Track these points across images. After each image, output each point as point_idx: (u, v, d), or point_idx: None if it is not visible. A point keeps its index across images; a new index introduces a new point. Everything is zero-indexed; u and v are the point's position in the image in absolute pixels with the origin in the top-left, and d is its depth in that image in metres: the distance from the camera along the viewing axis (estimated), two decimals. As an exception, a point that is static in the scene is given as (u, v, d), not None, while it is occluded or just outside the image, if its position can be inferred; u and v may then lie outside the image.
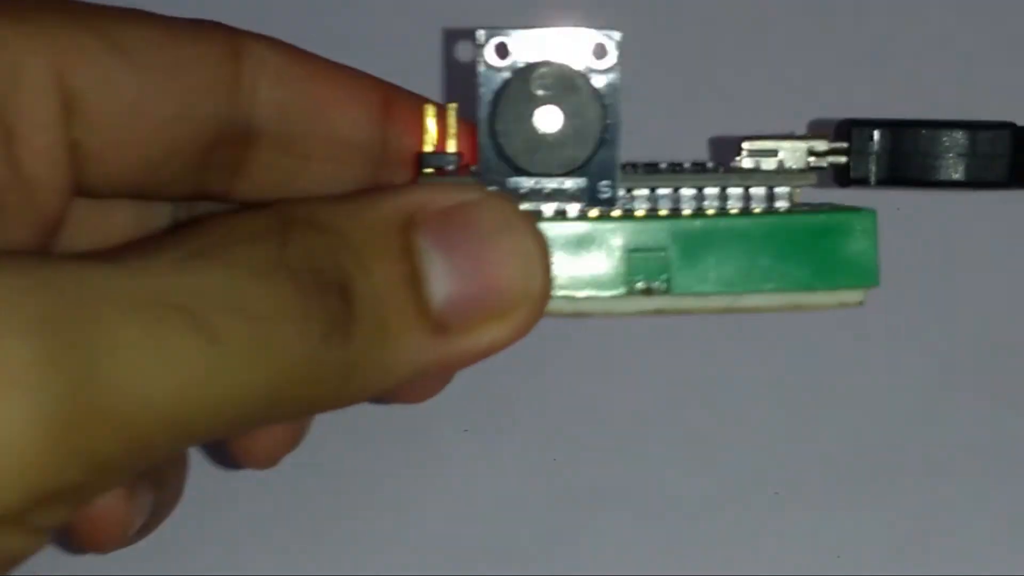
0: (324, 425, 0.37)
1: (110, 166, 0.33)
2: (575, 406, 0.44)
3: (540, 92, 0.31)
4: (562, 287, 0.31)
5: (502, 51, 0.32)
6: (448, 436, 0.44)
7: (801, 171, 0.33)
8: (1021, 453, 0.44)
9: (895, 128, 0.35)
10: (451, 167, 0.33)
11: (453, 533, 0.44)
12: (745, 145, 0.34)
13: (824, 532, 0.43)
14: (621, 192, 0.32)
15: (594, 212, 0.32)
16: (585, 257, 0.31)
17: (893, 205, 0.40)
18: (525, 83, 0.31)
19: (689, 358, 0.45)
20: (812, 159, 0.34)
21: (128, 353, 0.25)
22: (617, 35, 0.32)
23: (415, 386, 0.36)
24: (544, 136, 0.31)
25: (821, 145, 0.34)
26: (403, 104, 0.36)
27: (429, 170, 0.33)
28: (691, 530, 0.43)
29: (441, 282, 0.29)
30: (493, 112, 0.31)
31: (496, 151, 0.31)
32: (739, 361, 0.44)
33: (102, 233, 0.35)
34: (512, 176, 0.32)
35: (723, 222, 0.32)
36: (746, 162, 0.33)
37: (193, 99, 0.33)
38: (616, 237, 0.31)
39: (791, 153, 0.34)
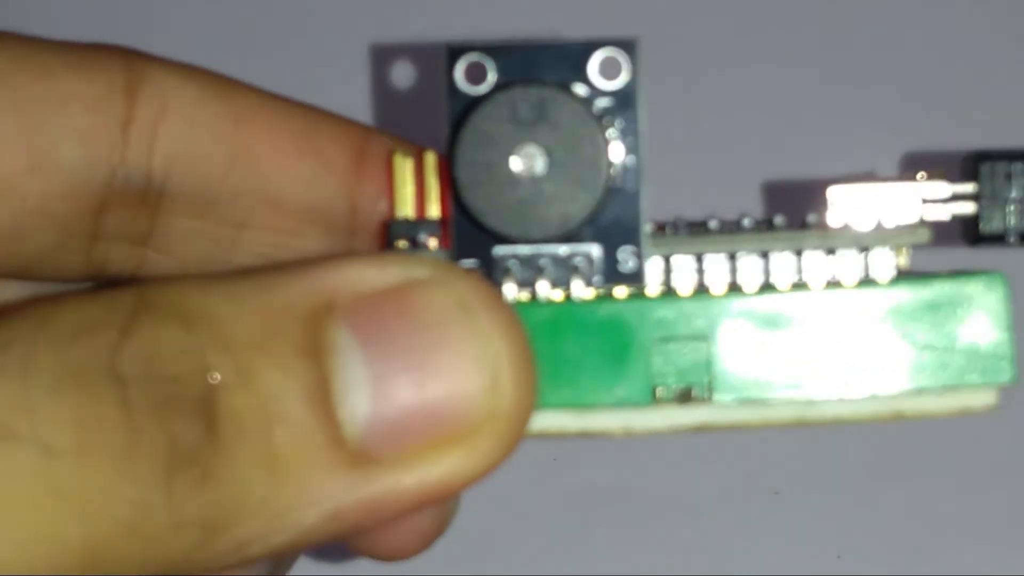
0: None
1: None
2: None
3: (519, 126, 0.22)
4: (558, 398, 0.22)
5: (476, 72, 0.23)
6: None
7: (911, 226, 0.24)
8: (1022, 453, 0.42)
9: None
10: (428, 239, 0.24)
11: (453, 533, 0.37)
12: (832, 192, 0.25)
13: (824, 532, 0.42)
14: (651, 262, 0.23)
15: (618, 292, 0.23)
16: (590, 352, 0.23)
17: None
18: (497, 114, 0.22)
19: None
20: (927, 208, 0.25)
21: None
22: (632, 43, 0.23)
23: (379, 539, 0.27)
24: (526, 187, 0.22)
25: (939, 189, 0.25)
26: (380, 155, 0.27)
27: (402, 243, 0.24)
28: (691, 530, 0.42)
29: (363, 395, 0.21)
30: (455, 155, 0.22)
31: (464, 211, 0.23)
32: None
33: None
34: (496, 245, 0.23)
35: (793, 299, 0.23)
36: (833, 216, 0.24)
37: (56, 148, 0.25)
38: (635, 321, 0.22)
39: (897, 201, 0.25)
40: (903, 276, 0.23)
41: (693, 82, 0.40)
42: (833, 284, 0.23)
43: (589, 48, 0.23)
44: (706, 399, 0.22)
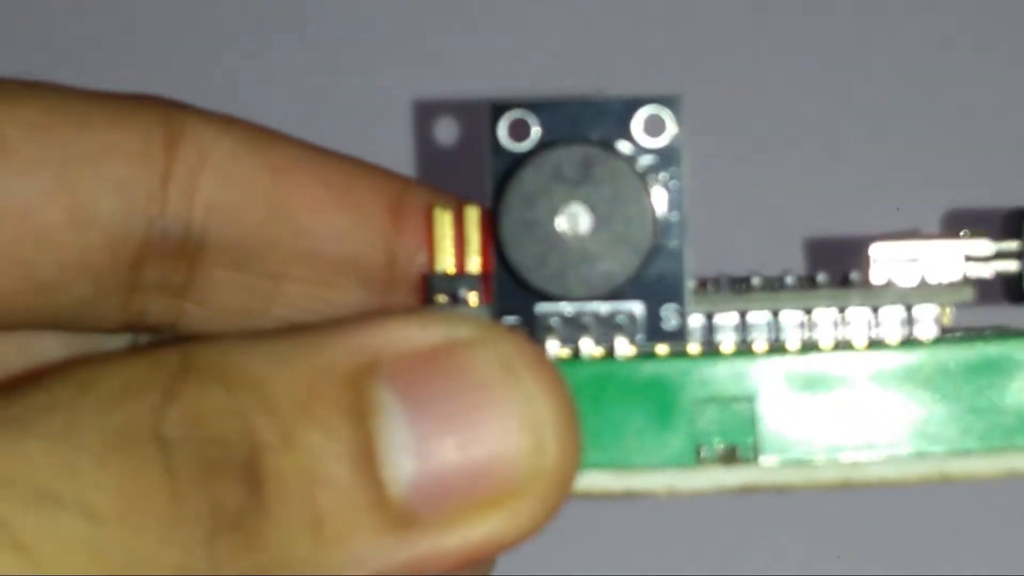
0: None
1: None
2: None
3: (563, 184, 0.22)
4: (600, 458, 0.22)
5: (520, 129, 0.23)
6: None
7: (954, 284, 0.24)
8: None
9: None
10: (468, 293, 0.24)
11: None
12: (874, 249, 0.24)
13: (824, 532, 0.42)
14: (694, 319, 0.23)
15: (661, 350, 0.23)
16: (633, 411, 0.22)
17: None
18: (542, 173, 0.22)
19: None
20: (970, 266, 0.24)
21: None
22: (676, 99, 0.23)
23: None
24: (571, 246, 0.22)
25: (982, 247, 0.25)
26: (418, 207, 0.27)
27: (441, 298, 0.24)
28: (691, 530, 0.42)
29: (406, 456, 0.21)
30: (499, 213, 0.22)
31: (508, 268, 0.22)
32: None
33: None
34: (537, 302, 0.23)
35: (837, 358, 0.22)
36: (875, 273, 0.24)
37: (95, 200, 0.25)
38: (679, 380, 0.22)
39: (940, 259, 0.24)
40: (947, 336, 0.23)
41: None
42: (876, 343, 0.23)
43: (633, 105, 0.23)
44: (751, 460, 0.22)
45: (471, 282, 0.24)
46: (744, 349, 0.23)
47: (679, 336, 0.23)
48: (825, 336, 0.23)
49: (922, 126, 0.41)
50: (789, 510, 0.42)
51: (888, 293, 0.24)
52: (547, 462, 0.21)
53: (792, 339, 0.23)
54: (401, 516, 0.21)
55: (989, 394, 0.22)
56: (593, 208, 0.22)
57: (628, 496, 0.22)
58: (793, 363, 0.23)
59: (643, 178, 0.22)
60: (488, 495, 0.21)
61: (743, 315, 0.23)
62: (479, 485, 0.21)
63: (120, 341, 0.28)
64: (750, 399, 0.22)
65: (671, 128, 0.23)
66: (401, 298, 0.27)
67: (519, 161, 0.22)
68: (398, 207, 0.27)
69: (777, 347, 0.23)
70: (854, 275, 0.24)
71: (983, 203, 0.33)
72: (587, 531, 0.41)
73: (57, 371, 0.20)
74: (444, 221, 0.25)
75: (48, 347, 0.27)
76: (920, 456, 0.22)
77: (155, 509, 0.19)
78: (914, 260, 0.24)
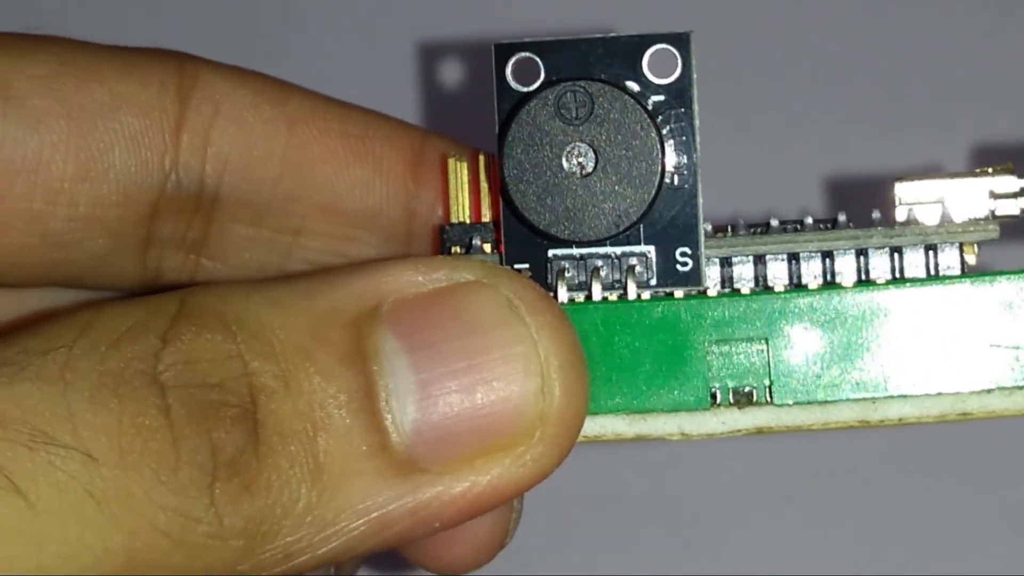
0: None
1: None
2: None
3: (568, 123, 0.22)
4: (612, 402, 0.22)
5: (526, 70, 0.23)
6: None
7: (979, 221, 0.23)
8: (1022, 453, 0.41)
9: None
10: (483, 243, 0.24)
11: None
12: (899, 189, 0.24)
13: (824, 532, 0.41)
14: (710, 264, 0.23)
15: (677, 293, 0.22)
16: (645, 355, 0.22)
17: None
18: (545, 111, 0.22)
19: None
20: (996, 203, 0.24)
21: None
22: (685, 37, 0.22)
23: (436, 551, 0.27)
24: (578, 187, 0.22)
25: (1008, 183, 0.24)
26: (437, 159, 0.27)
27: (456, 249, 0.24)
28: (691, 530, 0.42)
29: (409, 401, 0.20)
30: (503, 154, 0.22)
31: (514, 211, 0.22)
32: None
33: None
34: (548, 248, 0.23)
35: (857, 297, 0.22)
36: (899, 212, 0.24)
37: (106, 153, 0.25)
38: (692, 322, 0.22)
39: (964, 197, 0.24)
40: (971, 273, 0.23)
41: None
42: (898, 281, 0.23)
43: (641, 43, 0.22)
44: (766, 402, 0.22)
45: (485, 231, 0.24)
46: (759, 290, 0.22)
47: (693, 279, 0.22)
48: (846, 276, 0.23)
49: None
50: (790, 510, 0.42)
51: (911, 232, 0.23)
52: (553, 405, 0.21)
53: (811, 279, 0.23)
54: (404, 462, 0.20)
55: (1012, 332, 0.22)
56: (600, 147, 0.21)
57: (640, 440, 0.22)
58: (811, 302, 0.22)
59: (650, 114, 0.21)
60: (493, 440, 0.21)
61: (760, 258, 0.23)
62: (484, 430, 0.21)
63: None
64: (765, 340, 0.22)
65: (680, 66, 0.22)
66: (421, 251, 0.27)
67: (524, 101, 0.22)
68: (417, 160, 0.27)
69: (794, 287, 0.22)
70: (876, 215, 0.23)
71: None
72: (588, 531, 0.41)
73: (56, 316, 0.20)
74: (458, 171, 0.24)
75: (65, 305, 0.27)
76: (940, 393, 0.21)
77: (153, 452, 0.19)
78: (938, 200, 0.24)
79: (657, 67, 0.22)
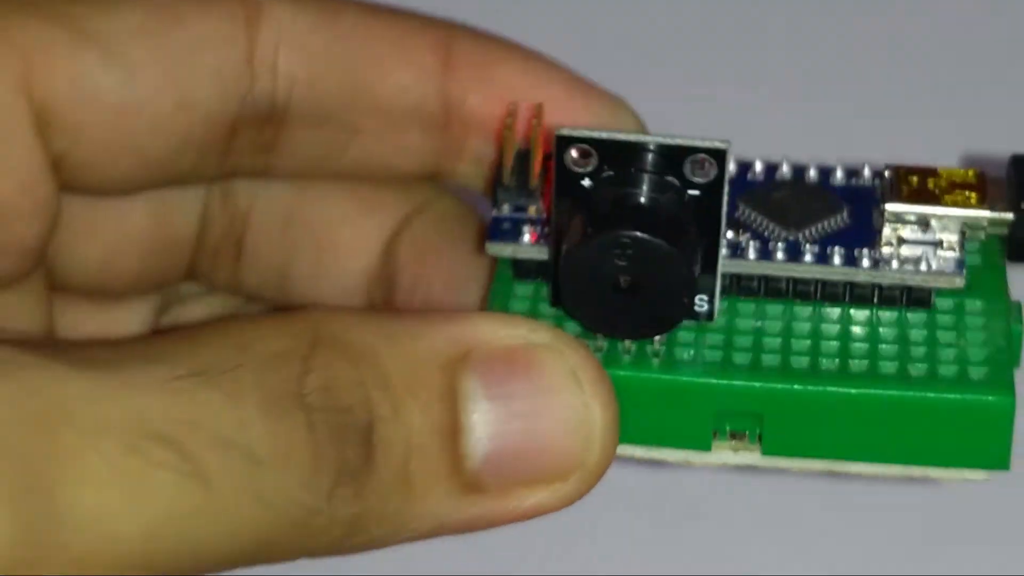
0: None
1: (106, 171, 0.29)
2: None
3: (616, 261, 0.26)
4: (631, 436, 0.27)
5: (583, 154, 0.26)
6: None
7: (944, 274, 0.27)
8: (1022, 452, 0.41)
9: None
10: (528, 216, 0.28)
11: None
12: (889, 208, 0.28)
13: (824, 532, 0.42)
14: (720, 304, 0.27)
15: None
16: (661, 409, 0.27)
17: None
18: (598, 253, 0.26)
19: None
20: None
21: (91, 486, 0.22)
22: (723, 151, 0.26)
23: None
24: (619, 304, 0.26)
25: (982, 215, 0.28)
26: (466, 52, 0.30)
27: (505, 208, 0.28)
28: (691, 530, 0.42)
29: (483, 436, 0.25)
30: (559, 275, 0.26)
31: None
32: None
33: (117, 227, 0.32)
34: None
35: (827, 391, 0.26)
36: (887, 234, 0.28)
37: (195, 88, 0.29)
38: (702, 399, 0.27)
39: (943, 230, 0.28)
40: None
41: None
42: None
43: (683, 152, 0.26)
44: (754, 448, 0.27)
45: (532, 199, 0.28)
46: (757, 374, 0.27)
47: (709, 317, 0.27)
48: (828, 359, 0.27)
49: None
50: (790, 510, 0.43)
51: (888, 274, 0.27)
52: (591, 458, 0.26)
53: (798, 363, 0.27)
54: (471, 483, 0.26)
55: (948, 430, 0.26)
56: (640, 279, 0.26)
57: (651, 462, 0.27)
58: (786, 394, 0.26)
59: (688, 263, 0.26)
60: (540, 476, 0.26)
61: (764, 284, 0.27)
62: (535, 468, 0.26)
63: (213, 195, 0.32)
64: (760, 413, 0.27)
65: (715, 171, 0.26)
66: (456, 137, 0.31)
67: (579, 179, 0.26)
68: (448, 55, 0.30)
69: (785, 373, 0.27)
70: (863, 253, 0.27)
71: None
72: (587, 531, 0.43)
73: (209, 330, 0.25)
74: (510, 139, 0.28)
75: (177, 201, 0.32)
76: (888, 463, 0.27)
77: (300, 460, 0.24)
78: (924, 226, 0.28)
79: (696, 169, 0.26)
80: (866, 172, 0.29)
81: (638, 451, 0.27)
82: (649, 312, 0.26)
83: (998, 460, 0.26)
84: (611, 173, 0.26)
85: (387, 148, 0.31)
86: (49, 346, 0.26)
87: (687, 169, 0.26)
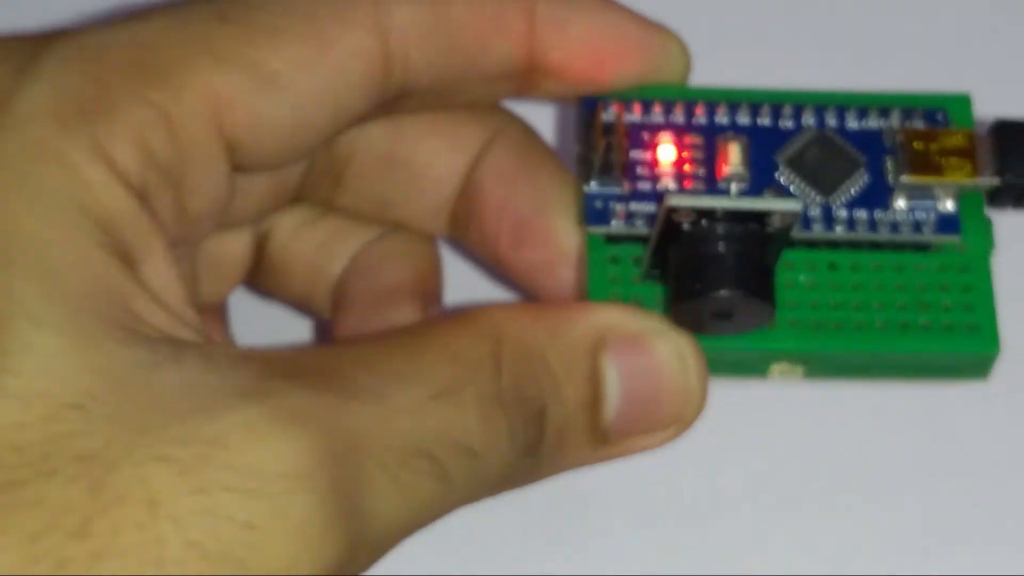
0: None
1: (269, 164, 0.35)
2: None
3: (714, 313, 0.34)
4: (714, 374, 0.35)
5: (684, 214, 0.33)
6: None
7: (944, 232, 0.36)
8: (1022, 452, 0.44)
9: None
10: (616, 194, 0.35)
11: (451, 532, 0.42)
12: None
13: (824, 532, 0.43)
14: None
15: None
16: (736, 365, 0.36)
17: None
18: (700, 308, 0.34)
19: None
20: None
21: (381, 496, 0.31)
22: (796, 213, 0.33)
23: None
24: (715, 324, 0.34)
25: (975, 182, 0.36)
26: (545, 14, 0.36)
27: (594, 185, 0.35)
28: (691, 530, 0.43)
29: (614, 404, 0.34)
30: (671, 311, 0.35)
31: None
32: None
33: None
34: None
35: (856, 358, 0.35)
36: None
37: (346, 99, 0.34)
38: (763, 359, 0.36)
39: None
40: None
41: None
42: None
43: (765, 212, 0.33)
44: (799, 372, 0.36)
45: (617, 180, 0.35)
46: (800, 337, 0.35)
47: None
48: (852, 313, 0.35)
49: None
50: (789, 509, 0.44)
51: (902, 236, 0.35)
52: (689, 414, 0.35)
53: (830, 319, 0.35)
54: (603, 439, 0.35)
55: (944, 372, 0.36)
56: (735, 313, 0.33)
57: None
58: (824, 360, 0.35)
59: (772, 302, 0.33)
60: (652, 427, 0.35)
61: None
62: (649, 423, 0.35)
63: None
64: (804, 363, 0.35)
65: (789, 220, 0.33)
66: (538, 80, 0.36)
67: (680, 227, 0.33)
68: (531, 19, 0.36)
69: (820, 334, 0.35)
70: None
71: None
72: (587, 531, 0.44)
73: (424, 344, 0.32)
74: (598, 134, 0.35)
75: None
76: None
77: (500, 449, 0.32)
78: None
79: (774, 220, 0.33)
80: (871, 120, 0.36)
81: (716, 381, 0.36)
82: (734, 326, 0.34)
83: (984, 376, 0.36)
84: (705, 220, 0.33)
85: (481, 98, 0.37)
86: (309, 374, 0.31)
87: (767, 220, 0.33)
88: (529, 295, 0.39)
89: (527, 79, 0.36)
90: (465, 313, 0.34)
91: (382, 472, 0.30)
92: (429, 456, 0.31)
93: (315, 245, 0.39)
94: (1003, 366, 0.36)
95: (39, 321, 0.29)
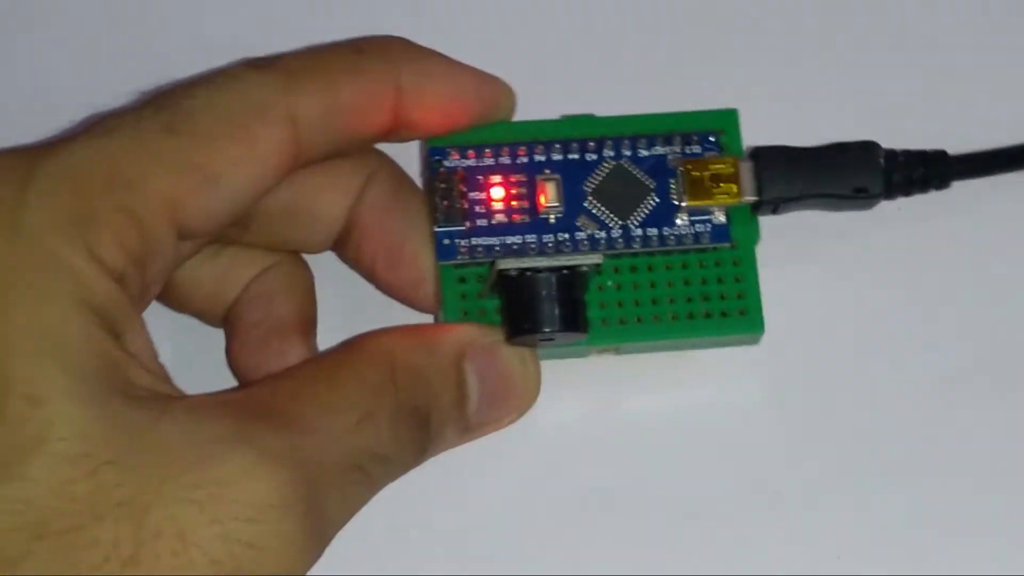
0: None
1: (205, 236, 0.43)
2: (574, 405, 0.49)
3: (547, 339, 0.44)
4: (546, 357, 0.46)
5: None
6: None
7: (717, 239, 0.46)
8: (1022, 452, 0.45)
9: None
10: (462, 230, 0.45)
11: (452, 531, 0.47)
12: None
13: (824, 532, 0.45)
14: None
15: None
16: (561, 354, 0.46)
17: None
18: (530, 339, 0.44)
19: (689, 359, 0.48)
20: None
21: (334, 507, 0.40)
22: (598, 260, 0.42)
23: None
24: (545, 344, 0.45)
25: (739, 202, 0.45)
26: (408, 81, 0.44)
27: (441, 227, 0.45)
28: (689, 530, 0.45)
29: (475, 401, 0.45)
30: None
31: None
32: (739, 362, 0.48)
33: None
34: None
35: (654, 344, 0.46)
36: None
37: (268, 182, 0.43)
38: (583, 351, 0.46)
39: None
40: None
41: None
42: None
43: (575, 264, 0.42)
44: (612, 352, 0.46)
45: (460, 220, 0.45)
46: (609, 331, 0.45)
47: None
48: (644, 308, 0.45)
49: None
50: (788, 510, 0.45)
51: (685, 244, 0.45)
52: (528, 404, 0.45)
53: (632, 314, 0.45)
54: (467, 428, 0.45)
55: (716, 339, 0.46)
56: (558, 340, 0.43)
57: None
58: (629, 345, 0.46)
59: (585, 331, 0.43)
60: (503, 417, 0.45)
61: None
62: (501, 414, 0.45)
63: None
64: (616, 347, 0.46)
65: (590, 268, 0.42)
66: (404, 134, 0.45)
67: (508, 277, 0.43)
68: (397, 91, 0.44)
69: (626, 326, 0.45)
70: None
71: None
72: (586, 530, 0.46)
73: (344, 374, 0.42)
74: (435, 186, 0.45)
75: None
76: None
77: (404, 448, 0.42)
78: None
79: (580, 266, 0.42)
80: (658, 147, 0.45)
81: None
82: (557, 344, 0.44)
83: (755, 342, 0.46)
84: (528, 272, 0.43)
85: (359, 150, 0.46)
86: (269, 415, 0.39)
87: (576, 268, 0.43)
88: (402, 304, 0.47)
89: (394, 133, 0.45)
90: (360, 341, 0.43)
91: (333, 488, 0.39)
92: (360, 469, 0.41)
93: (214, 276, 0.46)
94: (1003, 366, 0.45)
95: (71, 395, 0.36)
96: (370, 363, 0.42)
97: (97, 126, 0.40)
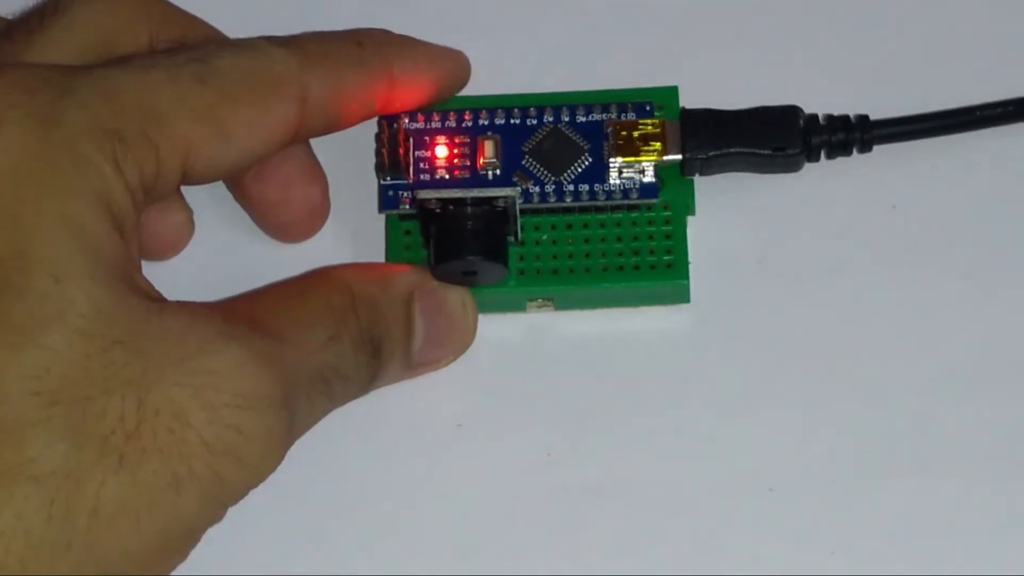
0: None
1: (202, 183, 0.47)
2: (569, 400, 0.49)
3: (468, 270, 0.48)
4: (486, 311, 0.49)
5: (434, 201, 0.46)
6: (441, 431, 0.49)
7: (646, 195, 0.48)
8: (1021, 452, 0.45)
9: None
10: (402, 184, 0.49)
11: (447, 529, 0.47)
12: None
13: (818, 529, 0.45)
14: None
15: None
16: (503, 303, 0.49)
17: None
18: (452, 268, 0.47)
19: (685, 355, 0.49)
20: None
21: (302, 411, 0.43)
22: (513, 192, 0.46)
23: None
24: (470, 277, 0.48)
25: (665, 160, 0.48)
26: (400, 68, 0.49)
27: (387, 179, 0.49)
28: (685, 527, 0.45)
29: (420, 339, 0.48)
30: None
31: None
32: (735, 359, 0.48)
33: None
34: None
35: (586, 295, 0.48)
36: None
37: (267, 151, 0.47)
38: (520, 300, 0.49)
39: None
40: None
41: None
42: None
43: (492, 196, 0.45)
44: (550, 306, 0.49)
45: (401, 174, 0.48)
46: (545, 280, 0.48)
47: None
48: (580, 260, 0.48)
49: None
50: (783, 507, 0.45)
51: (616, 200, 0.48)
52: (467, 345, 0.49)
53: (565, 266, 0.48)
54: (411, 363, 0.48)
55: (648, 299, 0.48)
56: (480, 274, 0.47)
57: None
58: (565, 295, 0.49)
59: (505, 265, 0.46)
60: (445, 355, 0.49)
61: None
62: (442, 351, 0.49)
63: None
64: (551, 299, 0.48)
65: (510, 203, 0.46)
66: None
67: (433, 210, 0.46)
68: (391, 76, 0.49)
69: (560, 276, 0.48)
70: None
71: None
72: (582, 528, 0.46)
73: (313, 296, 0.45)
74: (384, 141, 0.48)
75: None
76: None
77: (361, 375, 0.45)
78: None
79: (500, 200, 0.45)
80: (596, 114, 0.49)
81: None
82: (480, 281, 0.47)
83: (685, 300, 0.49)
84: (451, 206, 0.46)
85: None
86: (253, 322, 0.42)
87: (495, 202, 0.46)
88: (255, 223, 0.51)
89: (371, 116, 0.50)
90: (323, 270, 0.47)
91: (303, 395, 0.43)
92: (326, 382, 0.44)
93: None
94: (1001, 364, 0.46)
95: (91, 277, 0.39)
96: (335, 290, 0.46)
97: (131, 59, 0.44)
